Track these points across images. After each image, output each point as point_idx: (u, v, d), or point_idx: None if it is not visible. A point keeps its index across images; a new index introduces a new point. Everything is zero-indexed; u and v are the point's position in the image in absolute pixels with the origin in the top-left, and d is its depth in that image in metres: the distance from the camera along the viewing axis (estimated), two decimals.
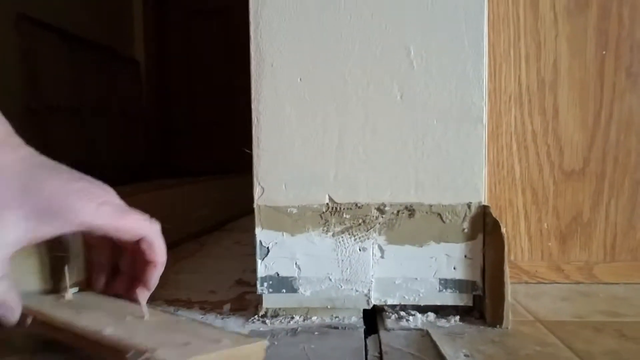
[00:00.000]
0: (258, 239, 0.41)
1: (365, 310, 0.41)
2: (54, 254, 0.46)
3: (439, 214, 0.40)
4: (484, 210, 0.40)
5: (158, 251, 0.35)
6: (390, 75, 0.39)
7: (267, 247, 0.40)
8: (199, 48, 2.18)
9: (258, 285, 0.41)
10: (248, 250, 0.56)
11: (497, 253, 0.38)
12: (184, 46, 2.19)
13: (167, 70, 2.22)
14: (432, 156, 0.40)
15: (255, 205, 0.41)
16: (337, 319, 0.41)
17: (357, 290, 0.40)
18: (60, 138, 1.42)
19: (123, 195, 0.36)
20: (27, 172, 0.32)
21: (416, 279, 0.41)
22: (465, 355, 0.33)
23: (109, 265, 0.38)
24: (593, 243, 0.50)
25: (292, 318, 0.41)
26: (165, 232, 0.36)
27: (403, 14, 0.39)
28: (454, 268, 0.40)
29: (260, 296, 0.41)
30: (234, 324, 0.40)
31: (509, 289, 0.37)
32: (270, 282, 0.41)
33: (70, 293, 0.37)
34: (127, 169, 1.66)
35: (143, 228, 0.35)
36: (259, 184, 0.41)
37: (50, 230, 0.32)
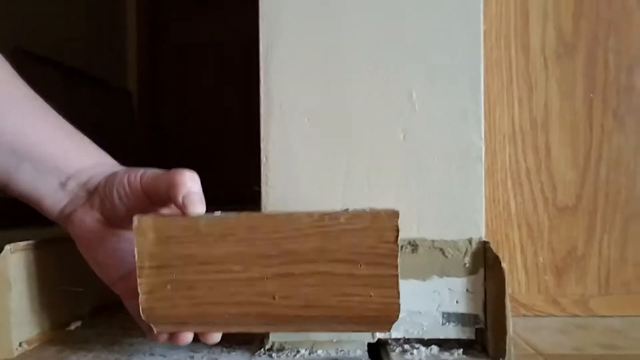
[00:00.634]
0: None
1: (369, 344, 0.42)
2: (62, 288, 0.46)
3: (441, 249, 0.42)
4: (484, 246, 0.41)
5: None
6: (393, 117, 0.41)
7: None
8: (191, 80, 2.21)
9: None
10: None
11: (498, 287, 0.40)
12: (177, 78, 2.22)
13: (159, 101, 2.24)
14: (434, 193, 0.41)
15: None
16: (342, 352, 0.42)
17: None
18: None
19: None
20: None
21: (420, 312, 0.42)
22: None
23: None
24: (588, 277, 0.52)
25: (298, 352, 0.42)
26: None
27: (406, 62, 0.41)
28: (457, 302, 0.42)
29: None
30: (240, 358, 0.41)
31: (510, 322, 0.39)
32: None
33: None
34: None
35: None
36: None
37: None
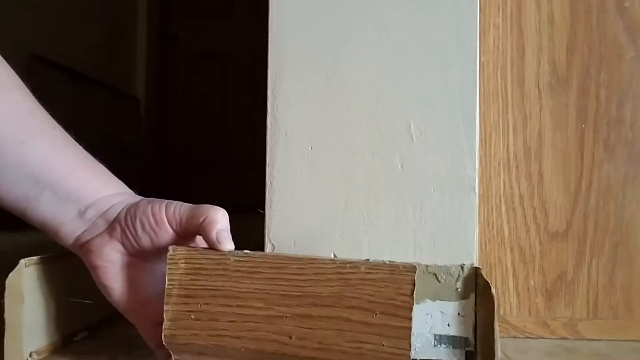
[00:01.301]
0: None
1: None
2: (71, 299, 0.48)
3: (435, 274, 0.44)
4: (476, 272, 0.44)
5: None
6: (392, 147, 0.44)
7: None
8: (198, 88, 2.24)
9: None
10: None
11: (488, 312, 0.42)
12: (184, 86, 2.25)
13: (166, 108, 2.27)
14: (429, 221, 0.44)
15: None
16: None
17: None
18: None
19: None
20: None
21: (413, 333, 0.44)
22: None
23: None
24: (577, 300, 0.54)
25: None
26: None
27: (405, 94, 0.44)
28: (448, 324, 0.44)
29: None
30: None
31: (498, 346, 0.41)
32: None
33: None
34: None
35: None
36: (270, 241, 0.44)
37: None
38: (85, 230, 0.39)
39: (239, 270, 0.36)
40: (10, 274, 0.42)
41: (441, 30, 0.44)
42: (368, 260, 0.36)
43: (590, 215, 0.54)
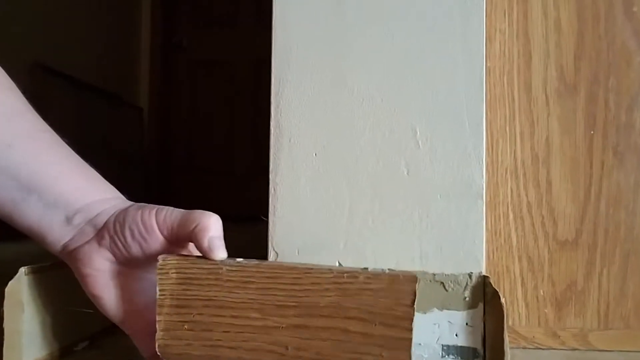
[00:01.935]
0: None
1: None
2: (71, 309, 0.47)
3: (442, 283, 0.43)
4: (484, 280, 0.43)
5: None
6: (398, 153, 0.43)
7: None
8: (200, 97, 2.24)
9: None
10: None
11: (497, 322, 0.41)
12: (187, 94, 2.25)
13: (169, 117, 2.27)
14: (435, 228, 0.43)
15: None
16: None
17: None
18: None
19: None
20: None
21: (420, 344, 0.43)
22: None
23: None
24: (587, 311, 0.53)
25: None
26: None
27: (410, 99, 0.43)
28: (456, 335, 0.42)
29: None
30: None
31: (509, 357, 0.39)
32: None
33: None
34: None
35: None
36: (274, 249, 0.43)
37: None
38: (72, 237, 0.38)
39: (231, 280, 0.35)
40: (10, 282, 0.41)
41: (447, 35, 0.44)
42: (367, 269, 0.35)
43: (600, 224, 0.53)
